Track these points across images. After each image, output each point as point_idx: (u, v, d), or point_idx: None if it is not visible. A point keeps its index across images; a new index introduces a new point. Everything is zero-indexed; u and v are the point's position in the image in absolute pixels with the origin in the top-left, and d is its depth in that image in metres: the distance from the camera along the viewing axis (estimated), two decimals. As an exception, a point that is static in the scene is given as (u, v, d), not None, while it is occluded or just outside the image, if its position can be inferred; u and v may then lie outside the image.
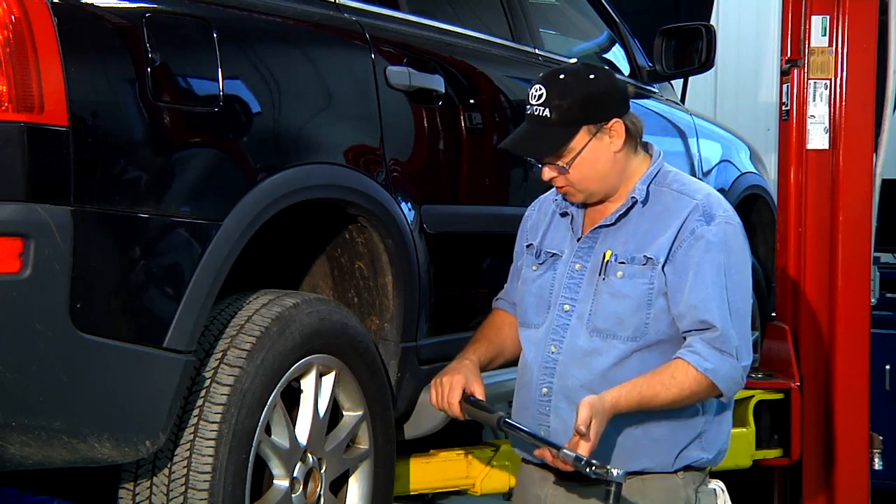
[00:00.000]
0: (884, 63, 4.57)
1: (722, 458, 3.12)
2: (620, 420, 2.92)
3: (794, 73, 4.60)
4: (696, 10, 7.17)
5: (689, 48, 5.18)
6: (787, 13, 4.64)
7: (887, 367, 6.40)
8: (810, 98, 4.57)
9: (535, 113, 2.98)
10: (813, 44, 4.55)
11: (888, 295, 5.94)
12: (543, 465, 3.10)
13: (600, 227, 3.06)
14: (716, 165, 5.56)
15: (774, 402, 4.47)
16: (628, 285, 2.98)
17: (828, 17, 4.53)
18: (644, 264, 2.98)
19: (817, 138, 4.59)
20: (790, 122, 4.63)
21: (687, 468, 3.05)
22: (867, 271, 4.59)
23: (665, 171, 3.08)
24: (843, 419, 4.54)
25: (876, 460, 4.61)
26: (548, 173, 3.02)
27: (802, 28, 4.56)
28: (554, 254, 3.12)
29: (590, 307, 3.01)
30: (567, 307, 3.05)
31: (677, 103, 5.62)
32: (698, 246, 2.95)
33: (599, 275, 3.01)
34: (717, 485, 3.13)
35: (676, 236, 2.97)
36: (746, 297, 3.01)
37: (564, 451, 2.81)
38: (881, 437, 4.63)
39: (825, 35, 4.54)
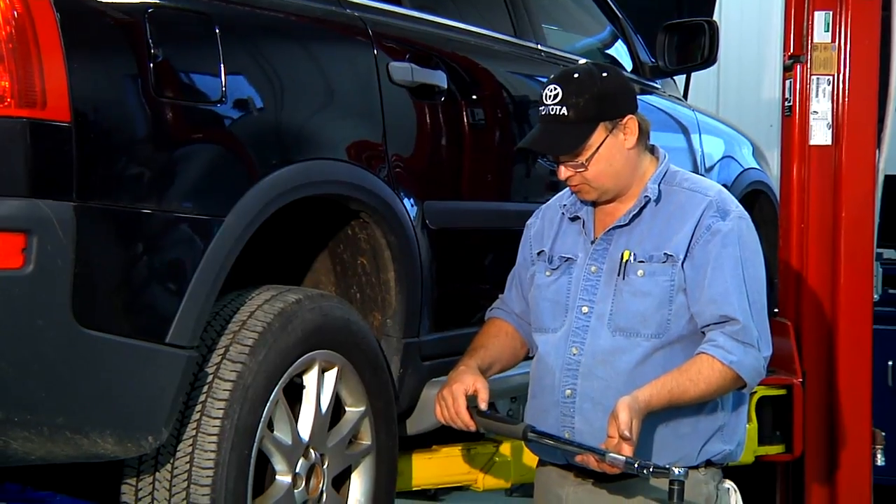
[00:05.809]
0: (887, 59, 4.56)
1: (742, 451, 3.16)
2: (646, 418, 2.92)
3: (797, 68, 4.59)
4: (699, 5, 7.13)
5: (692, 44, 5.17)
6: (789, 9, 4.63)
7: (889, 362, 6.40)
8: (813, 94, 4.56)
9: (552, 112, 3.00)
10: (816, 39, 4.54)
11: (891, 291, 5.93)
12: (564, 465, 3.12)
13: (614, 227, 3.08)
14: (718, 161, 5.56)
15: (777, 399, 4.46)
16: (650, 283, 3.00)
17: (830, 12, 4.52)
18: (664, 261, 3.01)
19: (820, 134, 4.58)
20: (793, 118, 4.62)
21: (708, 463, 3.08)
22: (870, 267, 4.58)
23: (672, 172, 3.13)
24: (845, 415, 4.53)
25: (878, 456, 4.61)
26: (564, 172, 3.04)
27: (805, 24, 4.55)
28: (568, 258, 3.13)
29: (609, 307, 3.03)
30: (585, 309, 3.06)
31: (680, 99, 5.62)
32: (715, 241, 2.99)
33: (618, 275, 3.03)
34: (730, 484, 3.16)
35: (693, 233, 3.01)
36: (763, 289, 3.06)
37: (612, 455, 2.80)
38: (883, 433, 4.63)
39: (828, 31, 4.53)
